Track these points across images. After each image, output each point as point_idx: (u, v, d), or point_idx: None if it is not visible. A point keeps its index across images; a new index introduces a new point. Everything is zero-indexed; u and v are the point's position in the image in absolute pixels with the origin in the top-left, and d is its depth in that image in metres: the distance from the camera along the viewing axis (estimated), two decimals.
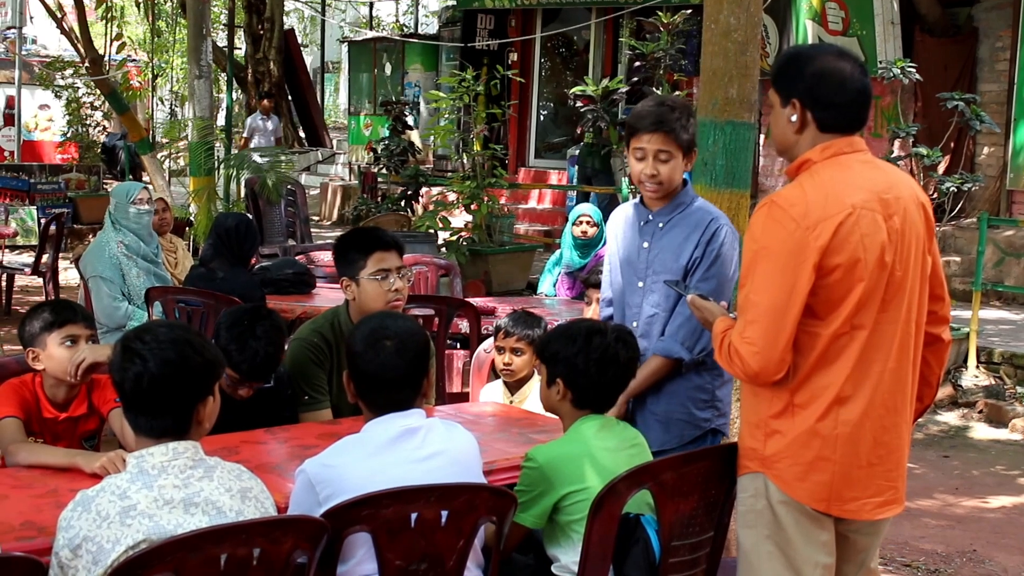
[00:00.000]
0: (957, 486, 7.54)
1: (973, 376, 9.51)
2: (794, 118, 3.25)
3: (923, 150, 10.02)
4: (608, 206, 11.67)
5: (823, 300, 3.13)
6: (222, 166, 13.75)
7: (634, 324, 4.26)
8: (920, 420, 8.87)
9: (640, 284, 4.27)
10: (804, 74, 3.24)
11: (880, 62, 12.01)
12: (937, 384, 3.52)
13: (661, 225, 4.22)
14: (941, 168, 11.34)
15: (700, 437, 4.21)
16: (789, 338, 3.12)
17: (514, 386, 5.14)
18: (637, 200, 4.37)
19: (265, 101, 18.45)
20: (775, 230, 3.12)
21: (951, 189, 9.99)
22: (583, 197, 13.96)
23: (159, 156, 18.62)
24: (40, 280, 11.76)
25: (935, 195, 10.48)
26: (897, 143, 11.16)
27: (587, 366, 3.66)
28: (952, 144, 11.52)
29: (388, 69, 21.89)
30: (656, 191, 4.19)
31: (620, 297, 4.38)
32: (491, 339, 5.52)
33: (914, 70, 10.75)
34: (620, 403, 4.14)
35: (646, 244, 4.25)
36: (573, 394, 3.70)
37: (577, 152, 14.88)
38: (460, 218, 13.42)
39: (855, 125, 3.27)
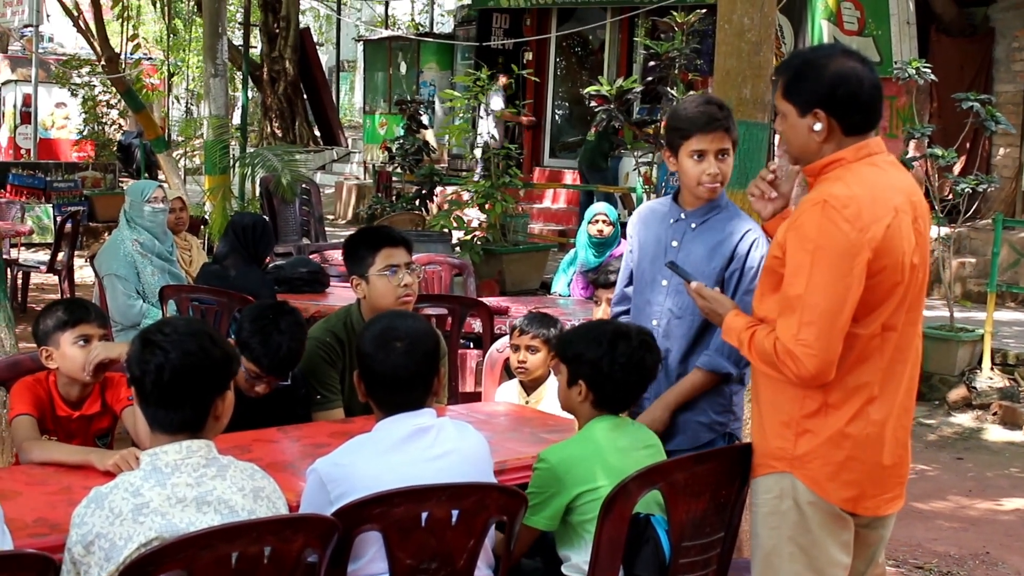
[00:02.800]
0: (971, 488, 7.53)
1: (987, 378, 9.48)
2: (818, 127, 3.21)
3: (938, 151, 9.98)
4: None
5: (864, 302, 3.12)
6: (237, 165, 13.76)
7: (654, 323, 4.20)
8: (933, 422, 8.90)
9: (664, 283, 4.21)
10: (823, 81, 3.19)
11: (895, 62, 11.97)
12: None
13: (694, 225, 4.17)
14: (956, 169, 11.29)
15: (715, 441, 4.19)
16: (842, 339, 3.11)
17: (530, 386, 5.15)
18: (670, 197, 4.34)
19: (502, 79, 17.96)
20: (831, 231, 3.09)
21: (966, 190, 9.94)
22: (587, 196, 13.98)
23: (175, 154, 18.65)
24: (55, 278, 11.80)
25: (950, 196, 10.44)
26: (912, 144, 11.12)
27: (612, 370, 3.65)
28: (967, 145, 11.48)
29: (403, 68, 21.90)
30: (715, 191, 4.13)
31: (640, 295, 4.33)
32: (504, 339, 5.53)
33: (929, 70, 10.71)
34: (662, 417, 4.11)
35: (675, 243, 4.19)
36: (595, 396, 3.70)
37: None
38: (474, 217, 13.43)
39: (876, 123, 3.27)
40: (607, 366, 3.66)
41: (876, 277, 3.11)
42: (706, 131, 4.07)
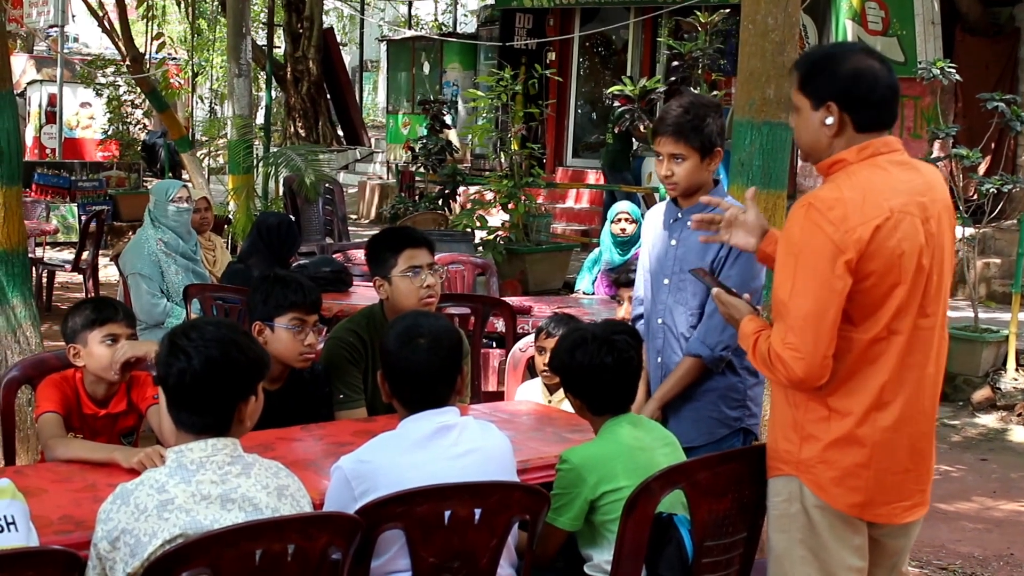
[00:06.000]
0: (995, 489, 7.49)
1: (1012, 379, 9.43)
2: (830, 120, 3.19)
3: (963, 151, 9.93)
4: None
5: (859, 306, 3.10)
6: (261, 164, 13.80)
7: (659, 321, 4.33)
8: (957, 423, 8.86)
9: (666, 281, 4.30)
10: (838, 75, 3.18)
11: (920, 62, 11.92)
12: None
13: (690, 223, 4.23)
14: (981, 169, 11.24)
15: (730, 436, 4.24)
16: (831, 342, 3.09)
17: (553, 386, 5.15)
18: (671, 198, 4.40)
19: None
20: (814, 233, 3.08)
21: (991, 190, 9.90)
22: (611, 196, 14.00)
23: (198, 154, 18.70)
24: (80, 277, 11.86)
25: (975, 196, 10.39)
26: (937, 144, 11.09)
27: (581, 377, 3.73)
28: (992, 145, 11.42)
29: (426, 68, 21.93)
30: (673, 190, 4.27)
31: (650, 294, 4.41)
32: (527, 338, 5.54)
33: (954, 70, 10.67)
34: (654, 408, 4.18)
35: (674, 241, 4.30)
36: (583, 402, 3.77)
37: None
38: (497, 217, 13.43)
39: (890, 122, 3.24)
40: (576, 374, 3.74)
41: (868, 279, 3.08)
42: (659, 134, 4.24)
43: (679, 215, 4.30)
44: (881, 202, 3.09)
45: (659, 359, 4.32)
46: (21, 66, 24.03)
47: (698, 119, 4.16)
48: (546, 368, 5.10)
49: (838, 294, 3.06)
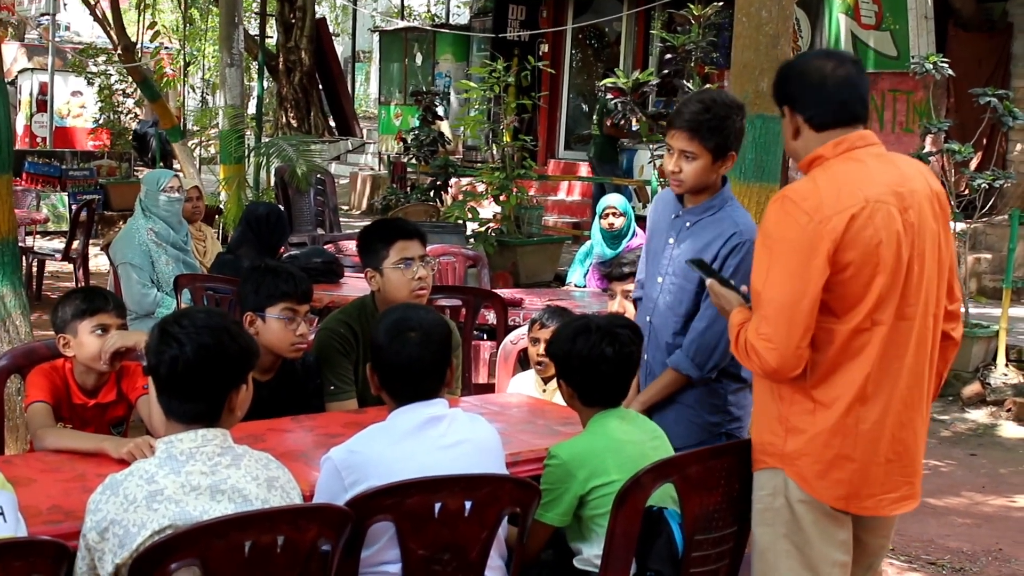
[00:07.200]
0: (984, 484, 7.51)
1: (1002, 374, 9.45)
2: (787, 124, 3.29)
3: (955, 146, 9.95)
4: None
5: (838, 297, 3.11)
6: (252, 154, 13.77)
7: (647, 319, 4.25)
8: (947, 418, 8.87)
9: (659, 279, 4.23)
10: (788, 80, 3.28)
11: (913, 56, 11.92)
12: (939, 384, 3.48)
13: (688, 224, 4.15)
14: (973, 164, 11.24)
15: (709, 441, 4.14)
16: (805, 332, 3.10)
17: (548, 378, 5.13)
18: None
19: None
20: (788, 224, 3.11)
21: (983, 186, 9.91)
22: (600, 189, 14.01)
23: (190, 144, 18.66)
24: (70, 266, 11.83)
25: (966, 191, 10.39)
26: (929, 139, 11.10)
27: (579, 366, 3.70)
28: (984, 140, 11.43)
29: (419, 59, 21.92)
30: (678, 187, 4.14)
31: (645, 288, 4.36)
32: (518, 330, 5.53)
33: (947, 65, 10.66)
34: (636, 411, 4.14)
35: (671, 240, 4.20)
36: (576, 392, 3.75)
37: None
38: (489, 209, 13.42)
39: (849, 118, 3.23)
40: (575, 363, 3.71)
41: (847, 270, 3.09)
42: (673, 127, 4.08)
43: (680, 212, 4.20)
44: (856, 192, 3.11)
45: (644, 356, 4.21)
46: (12, 54, 23.97)
47: (717, 119, 4.00)
48: (541, 358, 5.07)
49: (813, 284, 3.08)
